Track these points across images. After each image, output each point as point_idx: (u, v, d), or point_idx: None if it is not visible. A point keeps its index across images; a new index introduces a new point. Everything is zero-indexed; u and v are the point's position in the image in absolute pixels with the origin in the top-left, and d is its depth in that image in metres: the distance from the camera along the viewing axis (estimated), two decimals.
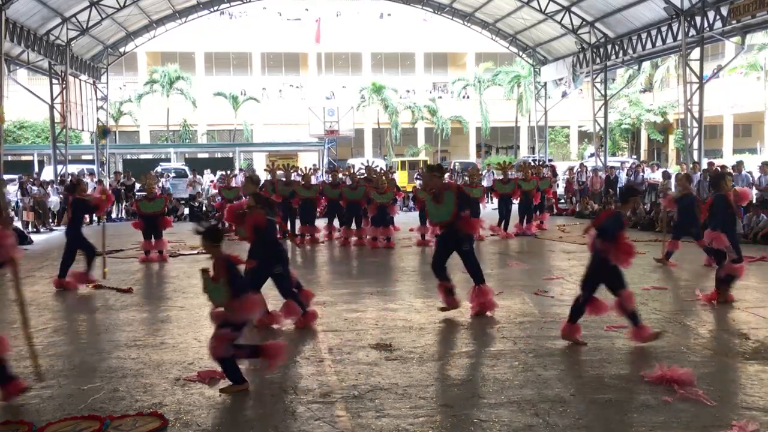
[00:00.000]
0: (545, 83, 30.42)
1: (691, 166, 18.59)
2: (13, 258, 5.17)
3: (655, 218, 16.21)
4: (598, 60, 24.86)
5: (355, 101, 40.42)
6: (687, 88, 19.39)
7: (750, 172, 16.99)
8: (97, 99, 27.87)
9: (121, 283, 9.86)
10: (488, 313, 7.43)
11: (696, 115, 19.45)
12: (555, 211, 21.79)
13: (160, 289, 9.75)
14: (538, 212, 16.69)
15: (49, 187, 20.52)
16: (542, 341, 6.39)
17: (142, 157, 36.55)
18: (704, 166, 18.16)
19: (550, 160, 29.76)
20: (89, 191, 11.35)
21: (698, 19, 18.36)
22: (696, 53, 19.74)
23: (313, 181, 15.58)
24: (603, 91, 26.32)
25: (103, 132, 11.68)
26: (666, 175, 19.76)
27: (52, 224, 19.71)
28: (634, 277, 10.15)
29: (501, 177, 15.86)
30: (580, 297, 6.21)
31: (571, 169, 25.53)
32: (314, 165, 27.79)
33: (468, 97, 43.50)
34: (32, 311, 8.23)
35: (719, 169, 14.19)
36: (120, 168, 29.59)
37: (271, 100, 44.24)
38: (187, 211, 22.42)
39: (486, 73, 41.49)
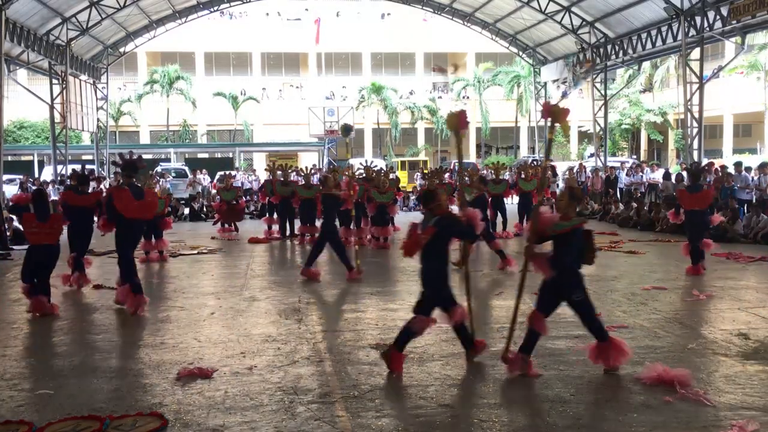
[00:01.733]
0: (545, 83, 30.42)
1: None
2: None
3: (655, 218, 16.22)
4: (598, 60, 24.85)
5: (355, 101, 40.42)
6: (687, 88, 19.40)
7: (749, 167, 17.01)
8: (97, 99, 27.89)
9: None
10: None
11: (696, 115, 19.45)
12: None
13: (160, 289, 9.74)
14: None
15: (49, 187, 20.51)
16: (542, 341, 6.36)
17: (142, 157, 36.50)
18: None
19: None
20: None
21: (698, 19, 18.36)
22: (696, 53, 19.74)
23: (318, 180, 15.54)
24: (603, 91, 26.32)
25: (346, 129, 11.50)
26: (666, 176, 19.75)
27: None
28: (634, 277, 10.16)
29: (493, 177, 15.90)
30: None
31: (571, 169, 25.53)
32: (314, 165, 27.79)
33: (468, 98, 43.51)
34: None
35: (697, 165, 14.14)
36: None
37: (271, 100, 44.23)
38: (187, 211, 22.41)
39: (486, 73, 41.49)
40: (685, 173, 14.16)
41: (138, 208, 7.86)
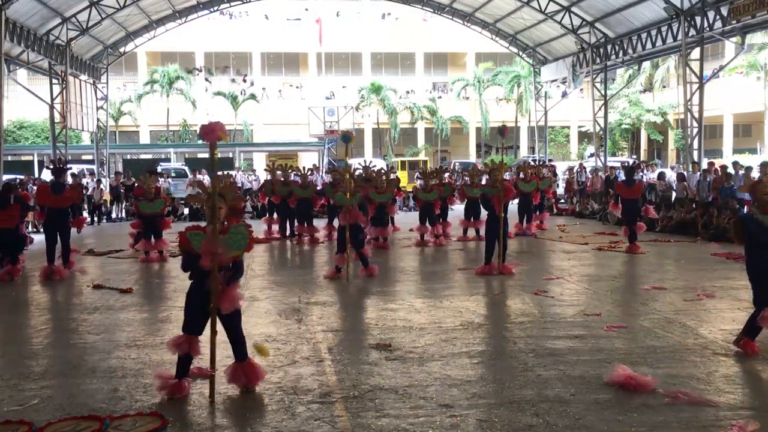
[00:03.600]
0: (545, 83, 30.44)
1: (690, 166, 18.60)
2: None
3: (654, 218, 16.22)
4: (598, 60, 24.85)
5: (355, 101, 40.42)
6: (687, 88, 19.40)
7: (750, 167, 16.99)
8: (97, 99, 27.88)
9: (121, 283, 9.86)
10: None
11: (696, 115, 19.46)
12: (555, 211, 21.79)
13: (160, 289, 9.75)
14: (537, 212, 16.69)
15: None
16: (542, 341, 6.38)
17: (142, 157, 36.54)
18: (704, 166, 18.16)
19: (550, 160, 29.76)
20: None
21: (698, 19, 18.36)
22: (696, 53, 19.75)
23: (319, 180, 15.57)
24: (603, 91, 26.33)
25: (345, 137, 11.01)
26: (662, 176, 19.75)
27: None
28: (634, 277, 10.16)
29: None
30: None
31: (571, 169, 25.53)
32: (314, 165, 27.77)
33: (468, 98, 43.52)
34: (32, 311, 8.26)
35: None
36: (120, 168, 29.56)
37: (271, 100, 44.22)
38: (187, 211, 22.40)
39: (486, 73, 41.49)
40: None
41: (52, 199, 10.52)
